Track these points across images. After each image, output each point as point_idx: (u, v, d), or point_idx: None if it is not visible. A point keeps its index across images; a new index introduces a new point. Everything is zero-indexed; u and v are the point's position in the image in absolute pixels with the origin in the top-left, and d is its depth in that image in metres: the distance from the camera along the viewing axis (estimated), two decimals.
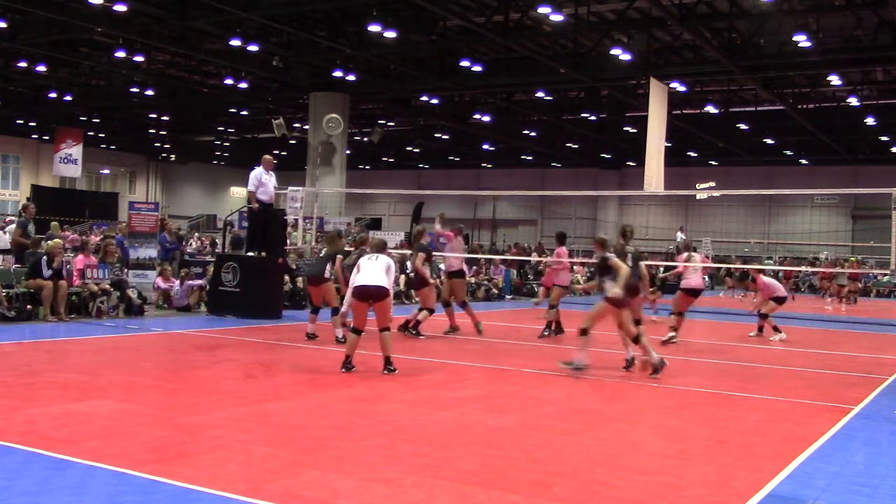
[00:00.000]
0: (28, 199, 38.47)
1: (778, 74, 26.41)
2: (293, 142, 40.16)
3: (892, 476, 5.78)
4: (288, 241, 17.98)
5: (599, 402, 8.06)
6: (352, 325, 9.45)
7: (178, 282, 15.40)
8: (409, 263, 17.07)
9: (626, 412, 7.69)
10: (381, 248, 9.50)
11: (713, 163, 44.38)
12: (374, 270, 8.91)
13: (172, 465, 5.08)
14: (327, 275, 11.91)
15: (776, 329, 14.16)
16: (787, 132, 35.96)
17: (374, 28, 21.86)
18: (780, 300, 14.30)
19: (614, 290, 9.28)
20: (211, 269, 15.75)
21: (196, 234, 33.31)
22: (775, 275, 18.84)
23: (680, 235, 32.89)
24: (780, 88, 28.49)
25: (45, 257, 12.87)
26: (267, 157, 14.84)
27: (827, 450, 6.37)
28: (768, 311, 14.37)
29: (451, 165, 52.91)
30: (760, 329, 14.49)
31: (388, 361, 8.97)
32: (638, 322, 9.93)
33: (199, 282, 15.56)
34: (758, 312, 14.54)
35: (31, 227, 16.24)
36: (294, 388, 8.17)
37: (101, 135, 47.05)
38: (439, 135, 42.73)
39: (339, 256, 12.15)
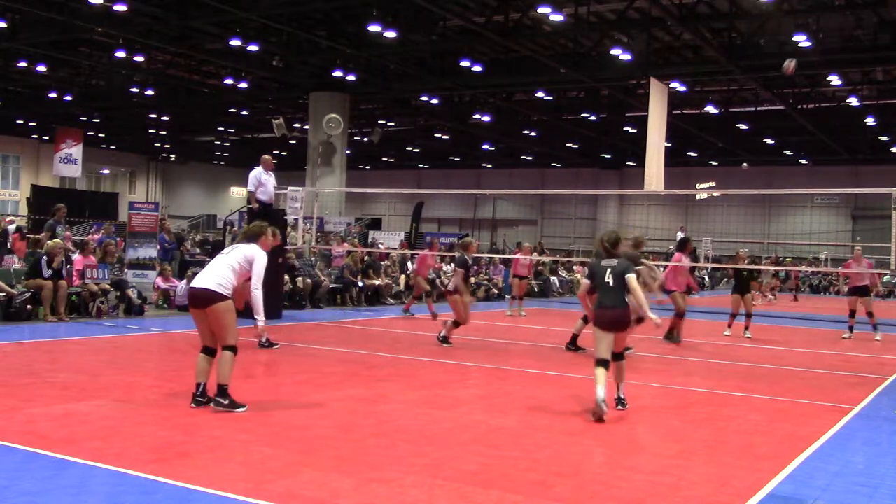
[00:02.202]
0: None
1: (778, 74, 26.32)
2: (293, 142, 40.16)
3: (892, 476, 5.78)
4: (287, 241, 17.96)
5: None
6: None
7: (184, 281, 15.39)
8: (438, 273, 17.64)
9: (626, 412, 7.68)
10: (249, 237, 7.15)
11: (713, 163, 44.40)
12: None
13: (172, 465, 5.08)
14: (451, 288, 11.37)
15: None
16: (787, 132, 35.97)
17: (374, 28, 21.87)
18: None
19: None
20: None
21: (194, 233, 33.27)
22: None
23: (680, 235, 32.90)
24: (780, 88, 28.49)
25: (45, 257, 12.87)
26: (266, 157, 14.83)
27: (827, 450, 6.37)
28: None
29: (451, 165, 52.91)
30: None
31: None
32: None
33: None
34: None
35: (61, 230, 16.29)
36: (294, 388, 8.17)
37: (101, 135, 47.06)
38: (439, 135, 42.73)
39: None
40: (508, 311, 17.62)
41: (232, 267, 6.74)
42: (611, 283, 7.12)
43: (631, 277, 7.11)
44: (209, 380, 6.75)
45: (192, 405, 6.72)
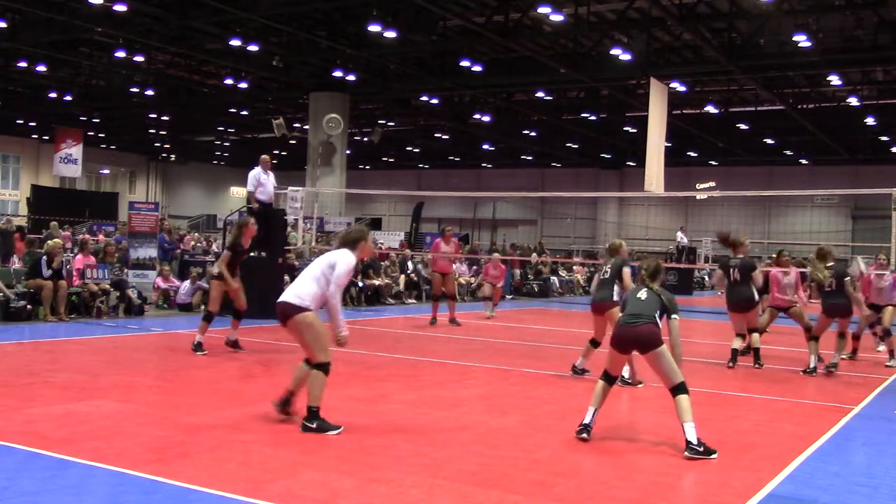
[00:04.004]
0: (28, 199, 38.55)
1: (778, 74, 26.42)
2: (293, 142, 40.16)
3: (891, 476, 5.78)
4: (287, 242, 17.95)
5: None
6: None
7: (187, 281, 15.39)
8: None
9: (626, 412, 7.69)
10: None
11: (713, 163, 44.39)
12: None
13: (172, 465, 5.08)
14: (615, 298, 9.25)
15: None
16: (787, 132, 35.96)
17: (374, 28, 21.86)
18: None
19: None
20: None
21: (194, 234, 33.28)
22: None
23: (680, 235, 32.91)
24: (780, 88, 28.50)
25: (44, 257, 12.87)
26: (264, 156, 14.83)
27: (827, 450, 6.37)
28: None
29: (451, 165, 52.91)
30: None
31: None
32: None
33: (206, 284, 15.51)
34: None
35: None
36: None
37: (101, 135, 47.05)
38: (439, 135, 42.73)
39: None
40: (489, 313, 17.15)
41: (315, 277, 6.19)
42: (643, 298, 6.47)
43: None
44: (300, 394, 6.31)
45: (274, 405, 6.41)
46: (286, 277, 16.10)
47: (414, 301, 20.16)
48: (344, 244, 6.37)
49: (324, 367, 6.19)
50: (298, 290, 6.19)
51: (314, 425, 6.05)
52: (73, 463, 5.02)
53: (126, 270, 15.83)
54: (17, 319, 12.32)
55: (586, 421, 6.26)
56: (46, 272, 12.70)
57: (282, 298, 6.24)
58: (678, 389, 6.16)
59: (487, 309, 17.35)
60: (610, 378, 6.49)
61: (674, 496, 4.98)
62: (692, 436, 5.91)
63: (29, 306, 12.66)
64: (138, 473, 4.86)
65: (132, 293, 14.32)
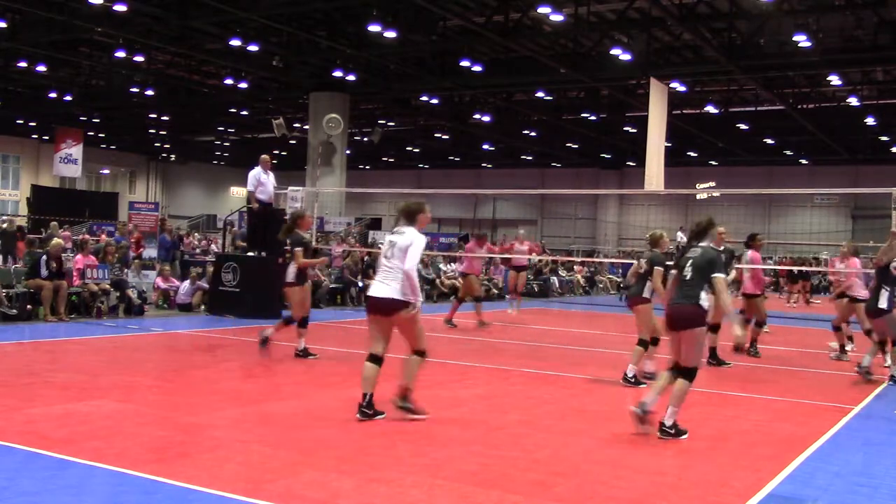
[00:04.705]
0: (28, 199, 38.55)
1: (778, 74, 26.41)
2: (293, 142, 40.15)
3: (891, 476, 5.78)
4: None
5: (599, 402, 8.06)
6: None
7: (187, 282, 15.39)
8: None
9: (626, 412, 7.68)
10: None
11: (713, 163, 44.38)
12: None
13: (172, 465, 5.08)
14: (646, 294, 9.09)
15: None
16: (787, 132, 35.95)
17: (374, 28, 21.86)
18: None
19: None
20: (210, 269, 15.74)
21: (195, 234, 33.29)
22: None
23: (680, 235, 32.89)
24: (780, 88, 28.49)
25: (44, 257, 12.87)
26: (264, 156, 14.85)
27: (827, 450, 6.37)
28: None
29: (451, 165, 52.90)
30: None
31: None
32: None
33: (206, 284, 15.52)
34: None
35: None
36: (294, 388, 8.17)
37: (101, 135, 47.04)
38: (439, 135, 42.73)
39: None
40: (510, 310, 17.12)
41: (401, 271, 6.53)
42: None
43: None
44: (376, 389, 6.60)
45: (359, 416, 6.52)
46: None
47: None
48: (406, 219, 6.79)
49: (423, 354, 6.72)
50: (401, 286, 6.49)
51: (407, 405, 6.63)
52: (73, 463, 5.02)
53: (126, 270, 15.82)
54: (17, 319, 12.32)
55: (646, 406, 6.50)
56: (45, 272, 12.70)
57: (381, 294, 6.51)
58: (683, 373, 6.57)
59: (513, 304, 17.25)
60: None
61: (674, 496, 4.98)
62: (668, 420, 6.44)
63: (29, 306, 12.66)
64: (138, 473, 4.86)
65: (132, 293, 14.32)
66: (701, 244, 6.72)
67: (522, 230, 15.78)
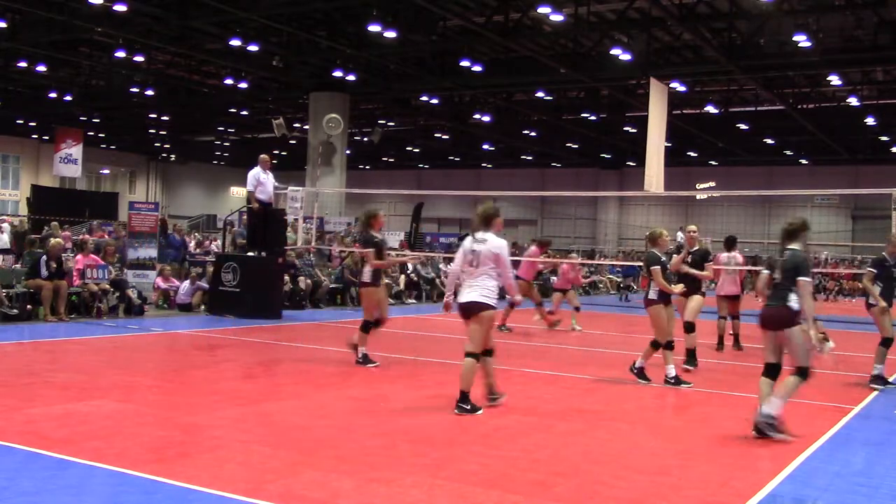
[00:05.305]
0: (28, 199, 38.53)
1: (778, 74, 26.40)
2: (293, 142, 40.15)
3: (891, 476, 5.78)
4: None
5: (599, 402, 8.06)
6: None
7: (187, 281, 15.39)
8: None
9: (626, 412, 7.68)
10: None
11: (713, 163, 44.38)
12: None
13: (172, 465, 5.08)
14: (652, 295, 9.02)
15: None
16: (787, 132, 35.95)
17: (374, 28, 21.85)
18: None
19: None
20: (210, 269, 15.75)
21: (197, 234, 33.31)
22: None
23: (680, 235, 32.88)
24: (780, 88, 28.47)
25: (44, 257, 12.87)
26: (263, 156, 14.84)
27: (827, 450, 6.37)
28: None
29: (451, 165, 52.89)
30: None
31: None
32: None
33: (206, 284, 15.51)
34: None
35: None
36: (294, 388, 8.17)
37: (101, 135, 47.04)
38: (439, 135, 42.72)
39: None
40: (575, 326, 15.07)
41: (487, 274, 7.11)
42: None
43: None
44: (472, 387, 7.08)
45: (456, 411, 6.98)
46: (286, 277, 16.15)
47: (414, 301, 20.15)
48: (482, 224, 7.34)
49: (491, 352, 7.39)
50: (483, 291, 7.08)
51: (468, 407, 7.01)
52: (73, 463, 5.02)
53: (126, 270, 15.83)
54: (18, 319, 12.32)
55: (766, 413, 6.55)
56: (45, 272, 12.70)
57: (470, 299, 7.09)
58: (796, 372, 6.66)
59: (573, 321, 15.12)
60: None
61: (674, 496, 4.98)
62: (772, 409, 6.53)
63: (29, 306, 12.66)
64: (138, 473, 4.86)
65: (132, 293, 14.33)
66: (790, 247, 6.80)
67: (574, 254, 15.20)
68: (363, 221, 10.00)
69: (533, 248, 15.87)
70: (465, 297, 7.15)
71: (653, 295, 8.91)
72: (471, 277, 7.14)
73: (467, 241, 7.29)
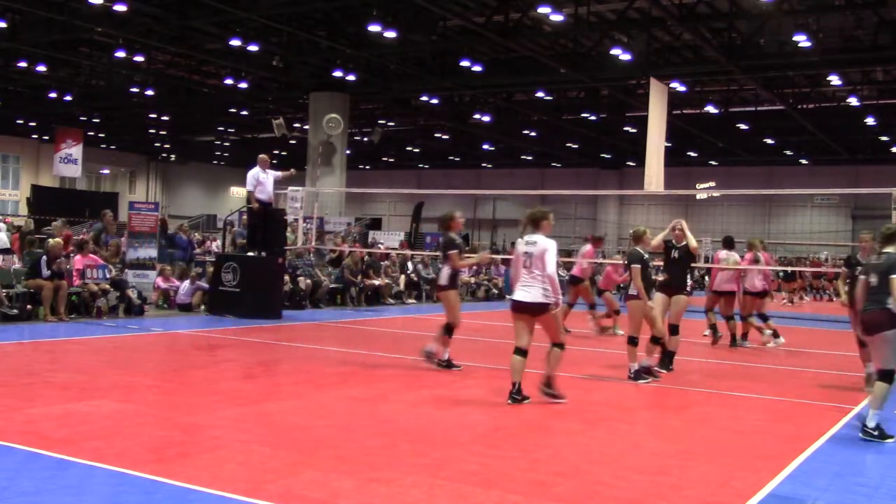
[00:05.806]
0: (28, 199, 38.47)
1: (778, 74, 26.39)
2: (293, 142, 40.14)
3: (892, 476, 5.78)
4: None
5: (599, 402, 8.06)
6: None
7: (187, 281, 15.39)
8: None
9: (626, 412, 7.69)
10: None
11: (713, 163, 44.37)
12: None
13: (172, 465, 5.08)
14: (632, 291, 9.24)
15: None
16: (787, 132, 35.94)
17: (374, 28, 21.85)
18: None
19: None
20: (210, 269, 15.74)
21: (197, 234, 33.29)
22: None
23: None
24: (780, 88, 28.47)
25: (44, 257, 12.86)
26: (262, 156, 14.84)
27: (827, 450, 6.37)
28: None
29: (451, 165, 52.88)
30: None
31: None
32: None
33: (206, 284, 15.50)
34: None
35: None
36: (294, 388, 8.17)
37: (101, 135, 47.03)
38: (439, 135, 42.71)
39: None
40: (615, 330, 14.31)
41: (542, 277, 7.43)
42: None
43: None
44: (523, 378, 7.49)
45: (509, 401, 7.41)
46: (286, 277, 16.15)
47: (414, 301, 20.16)
48: (532, 226, 7.65)
49: (562, 346, 7.67)
50: (543, 290, 7.42)
51: (551, 391, 7.54)
52: (73, 463, 5.02)
53: (126, 270, 15.82)
54: (18, 319, 12.32)
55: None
56: (46, 272, 12.69)
57: (527, 299, 7.43)
58: (880, 375, 6.73)
59: (614, 327, 14.38)
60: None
61: (674, 496, 4.98)
62: (870, 421, 6.64)
63: (29, 306, 12.66)
64: (138, 473, 4.86)
65: (132, 293, 14.32)
66: (887, 249, 6.82)
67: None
68: (442, 224, 9.77)
69: (588, 247, 15.12)
70: (522, 296, 7.47)
71: (633, 291, 9.08)
72: (528, 276, 7.46)
73: (520, 244, 7.60)
